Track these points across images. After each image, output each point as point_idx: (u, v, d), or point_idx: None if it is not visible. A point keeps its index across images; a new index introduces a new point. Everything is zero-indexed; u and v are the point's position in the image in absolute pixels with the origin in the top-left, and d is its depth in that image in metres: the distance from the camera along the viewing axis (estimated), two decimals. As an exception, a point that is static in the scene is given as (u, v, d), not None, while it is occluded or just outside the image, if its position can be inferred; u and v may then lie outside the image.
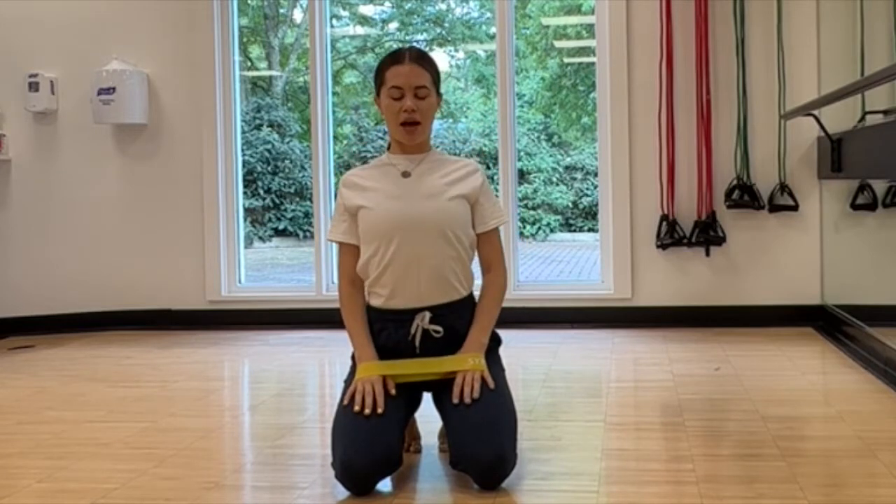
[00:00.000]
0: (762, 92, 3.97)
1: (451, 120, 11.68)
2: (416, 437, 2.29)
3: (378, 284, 2.14)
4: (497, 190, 4.39)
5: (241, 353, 3.80)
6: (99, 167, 4.48)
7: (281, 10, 11.94)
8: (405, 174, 2.17)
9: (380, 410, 2.00)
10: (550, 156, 11.67)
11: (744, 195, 3.94)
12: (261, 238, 11.07)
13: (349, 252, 2.19)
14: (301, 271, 8.53)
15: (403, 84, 2.11)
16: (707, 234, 3.98)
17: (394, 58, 2.16)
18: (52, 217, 4.50)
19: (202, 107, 4.41)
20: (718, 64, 3.99)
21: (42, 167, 4.50)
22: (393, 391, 2.05)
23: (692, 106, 4.00)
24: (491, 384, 2.05)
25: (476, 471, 1.98)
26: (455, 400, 2.02)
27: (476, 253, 2.23)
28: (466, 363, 2.08)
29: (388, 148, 2.25)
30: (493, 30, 5.06)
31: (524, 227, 11.02)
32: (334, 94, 7.12)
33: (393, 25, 12.14)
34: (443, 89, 2.27)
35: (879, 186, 3.22)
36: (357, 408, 2.00)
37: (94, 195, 4.48)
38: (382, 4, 11.95)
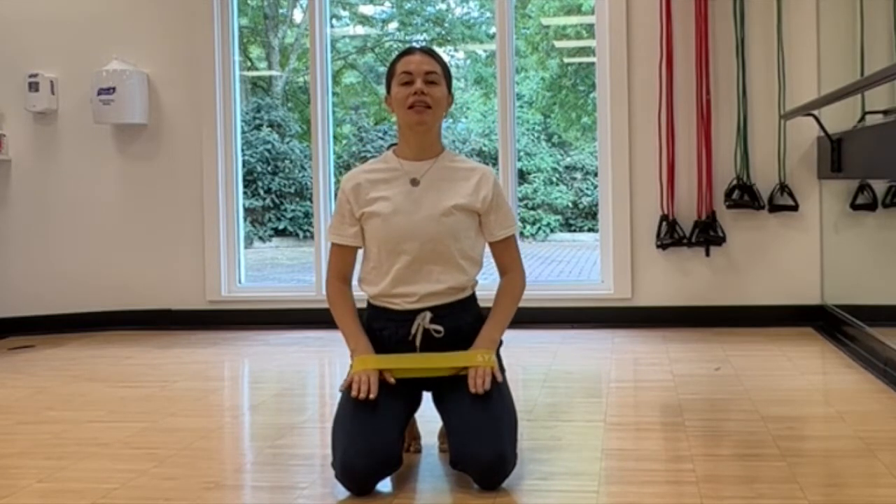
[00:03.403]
0: (762, 92, 3.97)
1: (450, 120, 11.68)
2: (416, 437, 2.29)
3: (380, 290, 2.15)
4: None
5: (241, 354, 3.81)
6: (99, 167, 4.49)
7: (281, 10, 11.95)
8: (414, 182, 2.15)
9: (372, 396, 1.99)
10: (550, 156, 11.68)
11: (744, 195, 3.94)
12: (261, 238, 11.08)
13: (348, 253, 2.19)
14: (301, 271, 8.54)
15: (414, 70, 2.12)
16: (707, 234, 3.98)
17: (404, 52, 2.19)
18: (52, 217, 4.50)
19: (202, 107, 4.42)
20: (718, 64, 3.99)
21: (42, 167, 4.50)
22: (392, 380, 2.05)
23: (692, 106, 4.00)
24: (499, 378, 2.06)
25: (476, 471, 1.98)
26: (472, 390, 2.01)
27: (490, 251, 2.23)
28: (475, 359, 2.07)
29: (391, 148, 2.23)
30: (492, 30, 5.07)
31: (524, 228, 11.03)
32: (334, 94, 7.13)
33: (393, 25, 12.15)
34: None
35: (879, 186, 3.23)
36: (353, 393, 2.01)
37: (95, 195, 4.49)
38: (382, 4, 11.97)
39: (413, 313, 2.12)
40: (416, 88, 2.10)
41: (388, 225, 2.11)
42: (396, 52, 2.25)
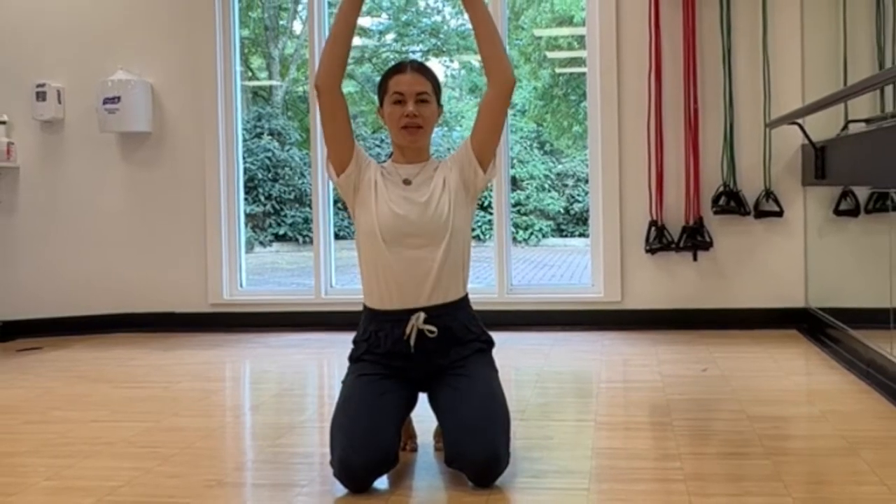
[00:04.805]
0: (748, 101, 4.02)
1: (445, 128, 11.74)
2: (412, 436, 2.33)
3: (377, 289, 2.19)
4: (490, 196, 4.47)
5: (243, 355, 3.84)
6: (104, 174, 4.53)
7: (281, 22, 12.01)
8: (406, 182, 2.22)
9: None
10: (542, 163, 11.73)
11: (730, 201, 3.98)
12: (261, 243, 11.10)
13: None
14: (301, 275, 8.56)
15: (405, 91, 2.17)
16: (694, 239, 4.01)
17: (396, 69, 2.23)
18: (58, 222, 4.54)
19: (204, 115, 4.46)
20: (706, 74, 4.04)
21: (49, 174, 4.55)
22: None
23: (680, 115, 4.05)
24: None
25: (470, 469, 2.02)
26: None
27: (487, 122, 2.19)
28: None
29: (391, 157, 2.30)
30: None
31: (517, 233, 11.07)
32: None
33: (390, 37, 12.20)
34: (438, 98, 2.32)
35: (862, 193, 3.26)
36: None
37: (100, 201, 4.53)
38: (379, 16, 12.03)
39: (408, 313, 2.15)
40: (407, 111, 2.16)
41: (383, 220, 2.15)
42: (393, 63, 2.32)
